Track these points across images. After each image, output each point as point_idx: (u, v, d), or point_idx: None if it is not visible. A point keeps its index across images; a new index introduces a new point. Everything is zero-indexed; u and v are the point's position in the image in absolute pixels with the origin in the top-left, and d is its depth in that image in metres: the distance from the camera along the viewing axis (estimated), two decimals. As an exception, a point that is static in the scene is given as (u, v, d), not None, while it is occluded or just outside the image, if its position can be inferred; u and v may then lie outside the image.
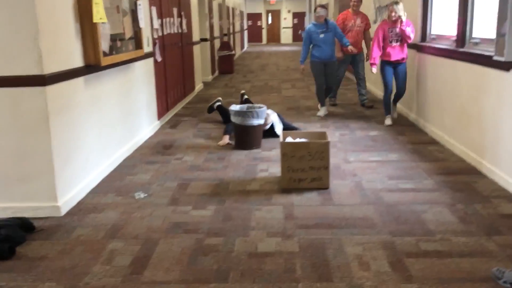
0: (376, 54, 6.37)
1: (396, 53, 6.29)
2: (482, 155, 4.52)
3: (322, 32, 7.02)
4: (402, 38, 6.23)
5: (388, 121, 6.55)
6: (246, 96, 7.62)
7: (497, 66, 4.17)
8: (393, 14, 6.15)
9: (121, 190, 4.24)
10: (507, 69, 4.01)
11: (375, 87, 8.97)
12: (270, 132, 5.86)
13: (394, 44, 6.27)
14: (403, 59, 6.36)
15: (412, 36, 6.18)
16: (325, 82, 7.23)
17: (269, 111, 5.95)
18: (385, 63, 6.42)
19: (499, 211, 3.61)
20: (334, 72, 7.30)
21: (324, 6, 7.19)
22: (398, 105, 7.10)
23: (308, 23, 29.04)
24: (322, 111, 7.29)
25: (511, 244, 3.09)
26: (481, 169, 4.52)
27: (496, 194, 3.95)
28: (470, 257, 2.95)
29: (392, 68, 6.41)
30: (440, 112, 5.61)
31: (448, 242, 3.15)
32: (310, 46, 7.22)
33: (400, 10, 6.12)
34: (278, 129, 5.87)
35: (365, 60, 7.95)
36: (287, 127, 5.90)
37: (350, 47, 7.20)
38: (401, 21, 6.14)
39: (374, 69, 6.34)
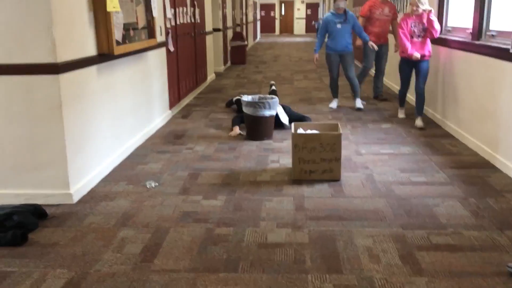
0: (409, 44, 5.80)
1: (417, 49, 5.80)
2: (496, 149, 4.47)
3: (340, 22, 6.82)
4: (425, 32, 5.77)
5: (401, 114, 6.41)
6: (274, 88, 7.63)
7: (514, 59, 4.11)
8: (414, 8, 5.71)
9: (133, 179, 4.26)
10: (524, 62, 3.94)
11: (388, 79, 8.89)
12: (276, 122, 5.78)
13: (415, 39, 5.82)
14: (424, 56, 5.84)
15: (439, 28, 5.72)
16: (344, 73, 7.04)
17: None
18: (404, 60, 6.00)
19: (512, 206, 3.57)
20: (350, 63, 7.00)
21: None
22: (410, 96, 7.01)
23: (323, 14, 28.80)
24: (334, 103, 7.21)
25: (523, 239, 3.06)
26: (494, 163, 4.47)
27: (510, 188, 3.91)
28: (481, 251, 2.93)
29: (412, 66, 5.96)
30: (455, 106, 5.55)
31: (459, 236, 3.12)
32: (326, 36, 7.06)
33: (425, 3, 5.67)
34: (283, 118, 5.85)
35: (394, 50, 7.37)
36: (296, 118, 5.86)
37: (370, 43, 6.97)
38: (430, 11, 5.66)
39: (417, 54, 5.73)
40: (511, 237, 3.09)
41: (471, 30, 5.21)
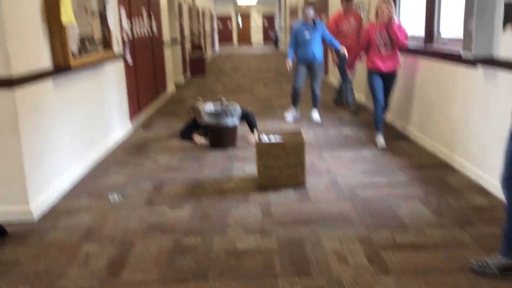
0: (355, 57, 5.62)
1: (386, 62, 5.28)
2: (453, 150, 4.62)
3: (309, 31, 6.61)
4: (392, 43, 5.28)
5: (380, 140, 5.39)
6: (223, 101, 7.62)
7: (465, 63, 4.27)
8: (385, 14, 5.19)
9: (95, 192, 4.16)
10: (475, 65, 4.11)
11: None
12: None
13: (382, 51, 5.27)
14: (394, 70, 5.38)
15: (406, 41, 5.28)
16: (310, 83, 6.84)
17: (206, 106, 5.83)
18: (373, 73, 5.37)
19: (471, 203, 3.70)
20: (318, 74, 6.76)
21: (313, 5, 6.77)
22: (370, 105, 7.15)
23: (279, 24, 28.94)
24: (290, 115, 6.96)
25: (483, 235, 3.17)
26: (452, 163, 4.62)
27: (467, 186, 4.05)
28: (444, 248, 3.01)
29: (382, 80, 5.38)
30: (411, 109, 5.72)
31: (422, 234, 3.20)
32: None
33: (392, 8, 5.20)
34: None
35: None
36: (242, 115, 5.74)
37: (342, 51, 6.70)
38: (393, 22, 5.21)
39: (350, 75, 5.76)
40: (472, 233, 3.20)
41: (423, 36, 5.39)
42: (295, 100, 6.95)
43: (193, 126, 5.88)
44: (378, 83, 5.36)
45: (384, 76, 5.37)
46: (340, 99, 7.91)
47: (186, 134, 5.90)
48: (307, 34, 6.59)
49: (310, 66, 6.72)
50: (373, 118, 5.47)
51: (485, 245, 3.03)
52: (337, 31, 7.30)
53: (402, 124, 6.05)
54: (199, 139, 5.74)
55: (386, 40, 5.28)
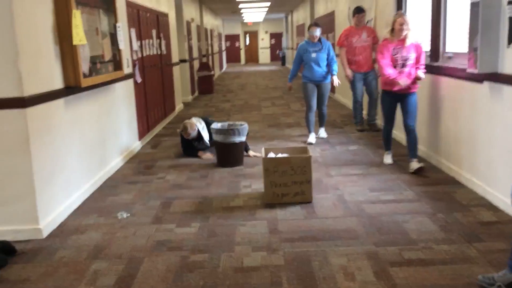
0: (392, 70, 4.85)
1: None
2: (460, 166, 4.62)
3: (315, 51, 6.44)
4: (410, 61, 4.82)
5: (387, 159, 5.28)
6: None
7: (471, 78, 4.30)
8: (404, 27, 4.74)
9: (103, 210, 4.20)
10: (481, 81, 4.14)
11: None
12: (200, 142, 5.96)
13: (399, 69, 4.84)
14: (410, 88, 4.85)
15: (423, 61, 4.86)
16: (317, 105, 6.62)
17: (194, 120, 5.93)
18: (385, 94, 5.03)
19: (479, 219, 3.68)
20: (325, 94, 6.62)
21: (318, 25, 6.52)
22: (378, 119, 7.17)
23: (287, 43, 29.07)
24: (311, 138, 6.60)
25: (491, 250, 3.16)
26: (459, 179, 4.61)
27: (475, 202, 4.03)
28: (452, 264, 3.00)
29: (397, 100, 4.97)
30: (418, 125, 5.72)
31: (430, 250, 3.20)
32: (301, 64, 6.70)
33: (409, 24, 4.78)
34: (205, 135, 5.87)
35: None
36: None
37: (335, 78, 6.47)
38: (417, 42, 4.85)
39: (403, 81, 4.80)
40: (479, 249, 3.19)
41: (429, 53, 5.43)
42: (310, 123, 6.64)
43: (185, 142, 6.01)
44: (391, 104, 5.02)
45: (398, 97, 4.94)
46: (361, 121, 7.32)
47: (185, 151, 6.06)
48: (313, 54, 6.45)
49: (318, 86, 6.57)
50: (382, 134, 5.36)
51: (493, 260, 3.01)
52: (347, 44, 7.06)
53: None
54: (205, 154, 5.84)
55: (403, 58, 4.84)
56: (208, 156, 5.80)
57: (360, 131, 7.10)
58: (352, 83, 7.12)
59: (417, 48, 4.89)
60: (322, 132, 6.84)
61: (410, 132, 4.99)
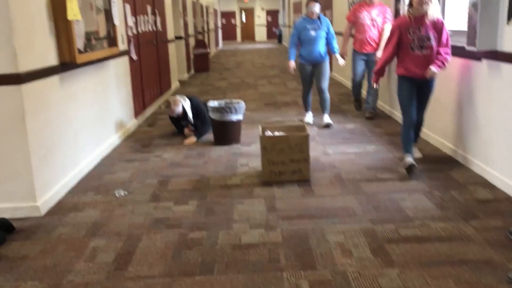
0: (385, 61, 4.46)
1: (421, 66, 4.19)
2: (457, 144, 4.63)
3: (313, 28, 6.03)
4: (429, 42, 4.17)
5: (409, 159, 4.26)
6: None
7: (469, 56, 4.28)
8: (425, 2, 4.07)
9: (101, 188, 4.20)
10: (479, 59, 4.11)
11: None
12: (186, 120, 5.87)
13: (417, 52, 4.22)
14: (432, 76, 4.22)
15: (448, 50, 4.21)
16: (316, 84, 6.27)
17: (178, 96, 5.80)
18: (404, 80, 4.34)
19: (475, 197, 3.71)
20: (325, 74, 6.20)
21: (318, 0, 6.05)
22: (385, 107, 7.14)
23: (283, 20, 28.75)
24: (309, 117, 6.45)
25: (487, 228, 3.19)
26: (456, 157, 4.63)
27: (472, 181, 4.05)
28: (448, 241, 3.03)
29: (416, 88, 4.33)
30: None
31: (427, 227, 3.22)
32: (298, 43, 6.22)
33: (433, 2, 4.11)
34: (189, 112, 5.75)
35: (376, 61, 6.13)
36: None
37: (338, 56, 6.22)
38: (437, 18, 4.17)
39: (375, 85, 4.75)
40: (476, 226, 3.21)
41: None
42: (307, 102, 6.48)
43: (174, 121, 5.99)
44: (410, 93, 4.31)
45: (419, 84, 4.31)
46: (367, 108, 6.66)
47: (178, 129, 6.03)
48: (312, 31, 6.03)
49: (316, 66, 6.18)
50: (401, 137, 4.47)
51: (489, 238, 3.04)
52: (353, 20, 6.46)
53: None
54: (188, 139, 5.67)
55: (423, 38, 4.19)
56: (191, 141, 5.64)
57: (369, 119, 6.48)
58: (352, 63, 6.64)
59: (436, 24, 4.17)
60: (327, 118, 6.26)
61: (419, 123, 4.52)
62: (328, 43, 6.16)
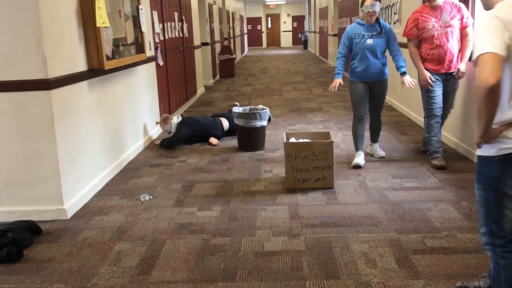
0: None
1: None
2: (486, 153, 4.51)
3: (371, 36, 4.56)
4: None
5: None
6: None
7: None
8: None
9: (126, 192, 4.25)
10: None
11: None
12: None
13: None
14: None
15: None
16: (370, 110, 4.85)
17: (174, 117, 5.98)
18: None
19: (504, 208, 3.61)
20: (383, 97, 4.81)
21: None
22: (397, 103, 7.02)
23: (309, 26, 28.70)
24: (360, 158, 4.77)
25: (517, 240, 3.10)
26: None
27: (501, 191, 3.95)
28: (476, 253, 2.96)
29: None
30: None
31: (453, 238, 3.16)
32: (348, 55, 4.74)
33: None
34: (173, 130, 5.88)
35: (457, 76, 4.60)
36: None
37: (406, 78, 4.48)
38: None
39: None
40: (504, 238, 3.13)
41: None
42: (359, 137, 4.81)
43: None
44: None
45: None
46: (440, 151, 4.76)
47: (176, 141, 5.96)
48: (369, 40, 4.56)
49: (373, 85, 4.69)
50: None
51: (519, 250, 2.95)
52: (417, 35, 4.58)
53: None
54: (215, 140, 5.90)
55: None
56: (216, 141, 5.86)
57: (440, 168, 4.56)
58: (424, 91, 4.66)
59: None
60: (378, 149, 5.05)
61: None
62: (393, 57, 4.64)
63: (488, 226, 2.07)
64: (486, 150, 2.06)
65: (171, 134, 5.87)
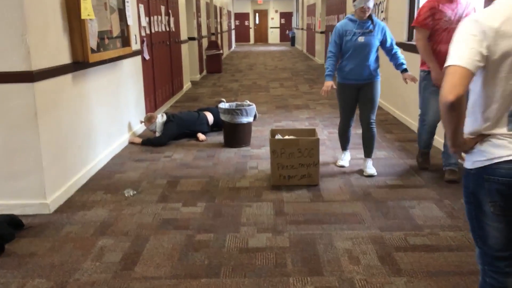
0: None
1: None
2: (469, 152, 4.56)
3: (363, 33, 4.21)
4: None
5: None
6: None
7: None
8: None
9: (110, 187, 4.22)
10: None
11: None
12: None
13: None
14: None
15: None
16: (360, 115, 4.51)
17: (158, 116, 5.85)
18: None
19: (486, 206, 3.66)
20: (374, 101, 4.38)
21: None
22: (383, 102, 7.05)
23: (297, 23, 28.76)
24: (345, 159, 4.74)
25: (497, 238, 3.14)
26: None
27: (483, 190, 4.00)
28: (458, 251, 2.99)
29: None
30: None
31: (436, 236, 3.19)
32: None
33: None
34: (157, 128, 5.78)
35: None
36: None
37: (408, 75, 4.22)
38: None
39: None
40: (485, 236, 3.17)
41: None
42: (344, 138, 4.71)
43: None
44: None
45: None
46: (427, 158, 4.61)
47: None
48: (360, 38, 4.21)
49: (363, 87, 4.36)
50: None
51: (500, 249, 3.00)
52: (431, 24, 4.03)
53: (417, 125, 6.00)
54: (134, 138, 5.76)
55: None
56: (132, 139, 5.72)
57: (450, 182, 4.21)
58: (422, 92, 4.32)
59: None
60: (370, 167, 4.46)
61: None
62: (392, 55, 4.34)
63: (475, 240, 1.96)
64: (466, 162, 1.92)
65: (156, 133, 5.76)
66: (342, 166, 4.67)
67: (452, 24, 3.93)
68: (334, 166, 4.71)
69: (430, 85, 4.13)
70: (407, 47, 6.37)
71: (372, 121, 4.44)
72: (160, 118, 5.80)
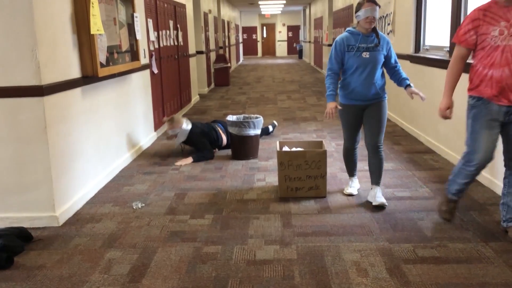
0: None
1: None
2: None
3: (367, 48, 3.79)
4: None
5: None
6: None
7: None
8: None
9: (119, 200, 4.24)
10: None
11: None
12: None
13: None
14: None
15: None
16: (365, 139, 4.00)
17: (184, 120, 5.63)
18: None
19: (495, 218, 3.63)
20: (382, 122, 3.92)
21: (377, 2, 3.76)
22: (390, 114, 7.05)
23: (304, 36, 28.95)
24: (352, 186, 4.30)
25: (507, 250, 3.11)
26: (477, 178, 4.53)
27: (492, 201, 3.98)
28: (467, 263, 2.97)
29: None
30: (434, 121, 5.66)
31: (445, 248, 3.17)
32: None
33: None
34: (180, 136, 5.61)
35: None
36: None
37: (413, 90, 3.76)
38: None
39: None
40: (495, 248, 3.14)
41: (448, 48, 5.35)
42: (351, 163, 4.28)
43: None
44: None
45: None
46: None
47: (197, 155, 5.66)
48: (365, 53, 3.79)
49: (368, 107, 3.93)
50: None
51: (509, 260, 2.97)
52: (476, 40, 3.14)
53: (425, 136, 5.99)
54: (182, 160, 5.45)
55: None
56: (186, 161, 5.41)
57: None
58: (471, 125, 3.27)
59: None
60: (379, 196, 3.95)
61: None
62: (394, 72, 3.94)
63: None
64: None
65: (177, 139, 5.58)
66: (350, 195, 4.22)
67: (507, 40, 3.01)
68: (342, 178, 4.70)
69: (482, 114, 3.16)
70: (414, 59, 6.38)
71: (379, 144, 3.95)
72: (186, 125, 5.60)
